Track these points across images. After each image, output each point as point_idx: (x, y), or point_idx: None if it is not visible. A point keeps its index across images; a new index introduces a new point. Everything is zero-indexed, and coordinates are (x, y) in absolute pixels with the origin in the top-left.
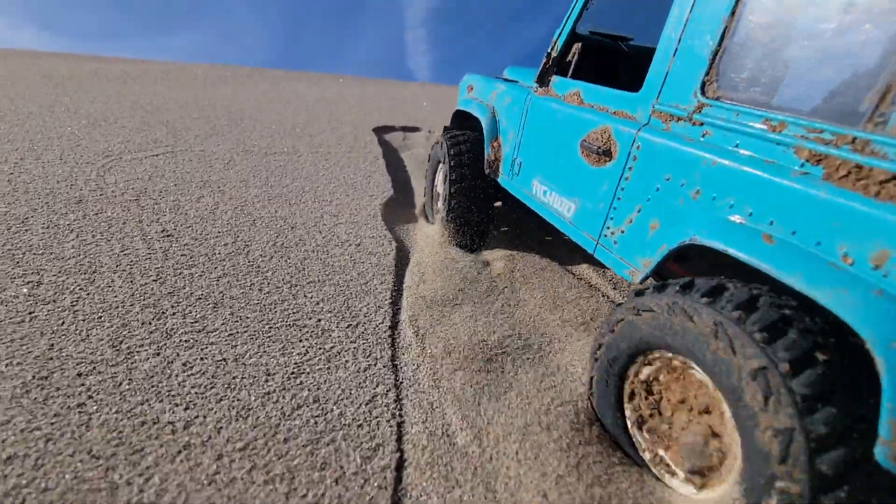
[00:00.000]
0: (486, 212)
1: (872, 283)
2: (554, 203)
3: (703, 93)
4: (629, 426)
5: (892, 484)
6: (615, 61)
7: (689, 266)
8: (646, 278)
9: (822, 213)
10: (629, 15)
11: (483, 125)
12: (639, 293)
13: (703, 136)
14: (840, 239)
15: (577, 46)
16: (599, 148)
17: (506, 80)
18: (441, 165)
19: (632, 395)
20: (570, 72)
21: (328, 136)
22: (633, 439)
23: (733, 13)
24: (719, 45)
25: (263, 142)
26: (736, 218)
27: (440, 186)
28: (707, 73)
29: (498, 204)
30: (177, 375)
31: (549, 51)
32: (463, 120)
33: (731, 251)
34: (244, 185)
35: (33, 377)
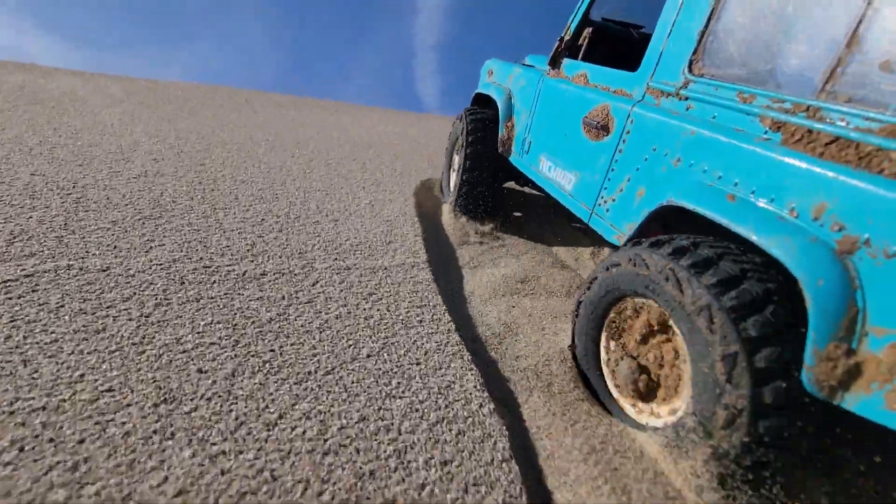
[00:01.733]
0: (495, 185)
1: (810, 232)
2: (557, 177)
3: (690, 70)
4: (602, 364)
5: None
6: (628, 48)
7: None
8: (628, 241)
9: (775, 172)
10: (642, 3)
11: (499, 105)
12: (636, 242)
13: (688, 109)
14: (789, 195)
15: (587, 31)
16: (598, 123)
17: (525, 65)
18: (459, 139)
19: (606, 342)
20: (581, 55)
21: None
22: (606, 381)
23: None
24: (706, 25)
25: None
26: (708, 181)
27: (457, 162)
28: (694, 52)
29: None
30: None
31: (562, 35)
32: (482, 105)
33: (699, 209)
34: None
35: None
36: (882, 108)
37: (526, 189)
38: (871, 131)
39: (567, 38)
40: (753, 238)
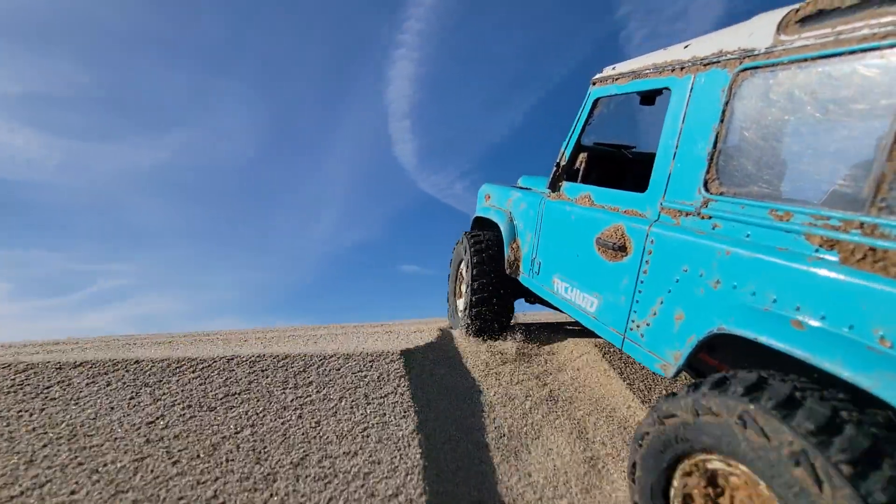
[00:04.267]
0: (507, 301)
1: None
2: (576, 299)
3: (706, 189)
4: None
5: None
6: (620, 167)
7: (720, 357)
8: (678, 372)
9: (849, 296)
10: (629, 126)
11: (502, 229)
12: (694, 387)
13: (714, 228)
14: (873, 322)
15: (583, 156)
16: (615, 244)
17: (520, 187)
18: (462, 263)
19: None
20: (580, 178)
21: None
22: None
23: (722, 120)
24: (714, 147)
25: None
26: (760, 305)
27: (463, 285)
28: (707, 172)
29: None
30: None
31: (557, 160)
32: (481, 228)
33: (763, 339)
34: None
35: None
36: None
37: (537, 306)
38: None
39: (563, 163)
40: (844, 374)
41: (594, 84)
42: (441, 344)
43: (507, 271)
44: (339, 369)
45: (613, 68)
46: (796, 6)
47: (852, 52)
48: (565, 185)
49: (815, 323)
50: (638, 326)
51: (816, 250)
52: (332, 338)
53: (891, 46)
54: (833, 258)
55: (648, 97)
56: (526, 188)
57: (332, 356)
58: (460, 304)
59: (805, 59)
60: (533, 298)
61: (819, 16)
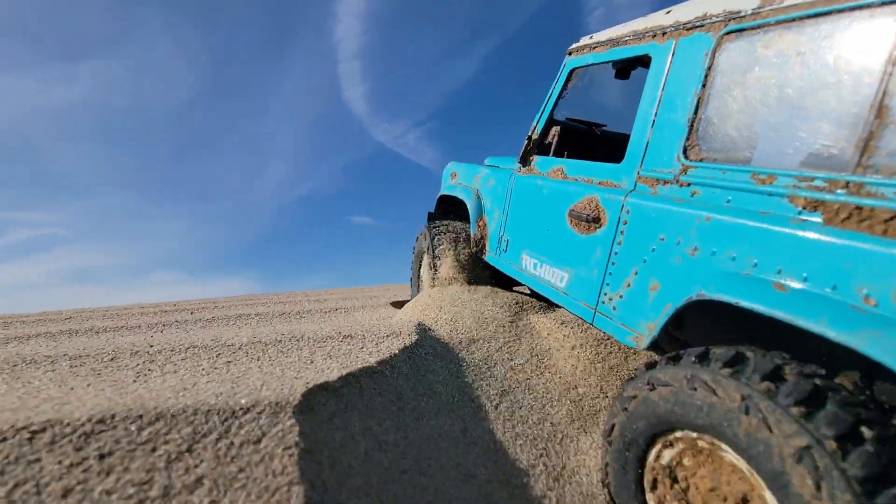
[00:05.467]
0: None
1: None
2: (545, 275)
3: (686, 156)
4: None
5: None
6: (592, 143)
7: (686, 333)
8: (651, 342)
9: (832, 256)
10: (600, 106)
11: (469, 206)
12: (650, 365)
13: (693, 195)
14: (857, 281)
15: (555, 129)
16: (588, 215)
17: (488, 165)
18: (425, 256)
19: (654, 484)
20: (552, 152)
21: None
22: None
23: (704, 85)
24: (695, 113)
25: None
26: (741, 270)
27: (425, 277)
28: (687, 139)
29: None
30: None
31: (529, 134)
32: (447, 206)
33: (743, 303)
34: None
35: None
36: None
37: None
38: None
39: (535, 137)
40: (829, 334)
41: (570, 54)
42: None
43: (473, 250)
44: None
45: (591, 37)
46: None
47: (842, 11)
48: (536, 159)
49: (797, 285)
50: (610, 299)
51: (800, 212)
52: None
53: (882, 4)
54: (817, 219)
55: (623, 70)
56: (494, 166)
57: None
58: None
59: (794, 19)
60: (497, 283)
61: None
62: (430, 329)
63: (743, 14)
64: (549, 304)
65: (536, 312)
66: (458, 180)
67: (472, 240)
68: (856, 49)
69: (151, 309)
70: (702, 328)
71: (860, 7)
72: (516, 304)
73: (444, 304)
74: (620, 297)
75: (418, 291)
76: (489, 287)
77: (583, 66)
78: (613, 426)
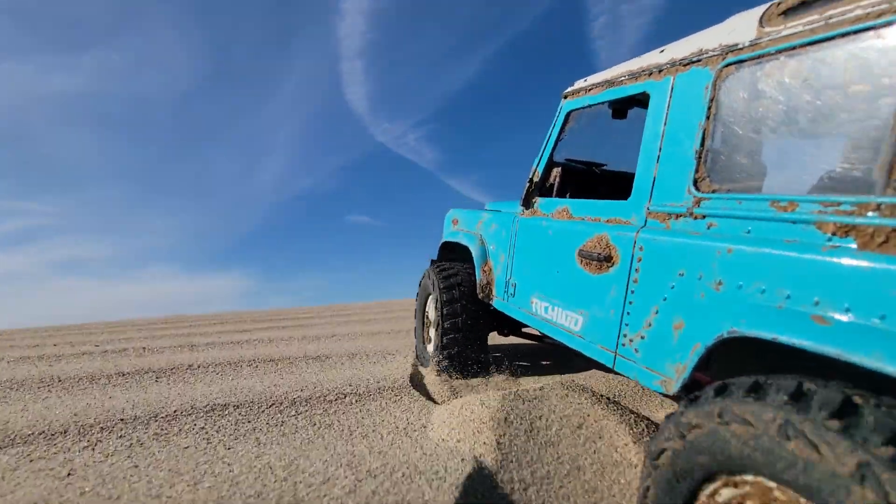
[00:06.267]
0: (481, 338)
1: None
2: (558, 318)
3: (697, 188)
4: None
5: None
6: (594, 183)
7: (712, 373)
8: (681, 387)
9: (875, 283)
10: (598, 147)
11: (473, 252)
12: (720, 391)
13: (709, 227)
14: None
15: (556, 171)
16: (599, 255)
17: (487, 210)
18: (430, 297)
19: None
20: (554, 193)
21: None
22: None
23: (708, 117)
24: (702, 145)
25: None
26: (774, 303)
27: (433, 319)
28: (697, 171)
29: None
30: None
31: (530, 177)
32: (449, 253)
33: (783, 339)
34: None
35: None
36: None
37: (512, 339)
38: None
39: (536, 179)
40: (888, 369)
41: (566, 97)
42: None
43: (480, 296)
44: None
45: (585, 80)
46: (777, 0)
47: (846, 34)
48: (539, 200)
49: (840, 316)
50: (631, 341)
51: (830, 238)
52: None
53: (887, 24)
54: (850, 245)
55: (620, 110)
56: (496, 210)
57: None
58: (430, 345)
59: (795, 47)
60: (507, 331)
61: (803, 5)
62: None
63: (741, 46)
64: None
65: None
66: (460, 226)
67: (478, 286)
68: (867, 72)
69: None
70: (728, 367)
71: (864, 29)
72: None
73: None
74: (642, 338)
75: (423, 330)
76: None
77: (579, 109)
78: (663, 451)
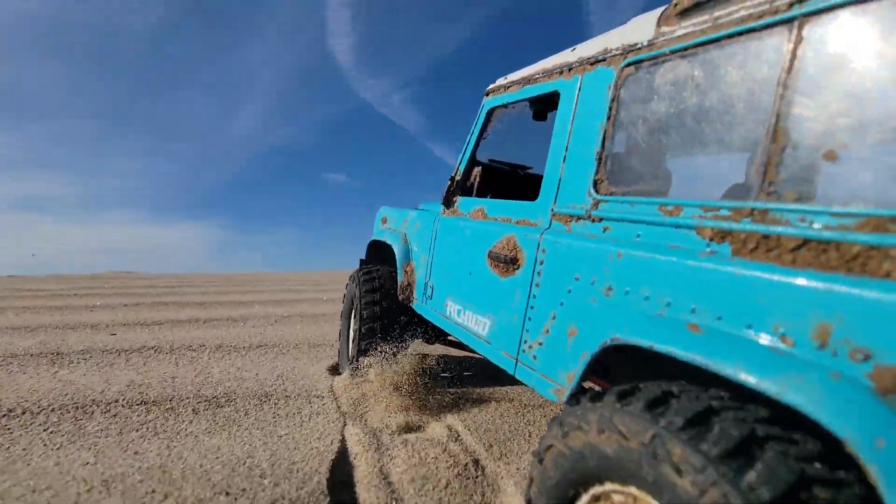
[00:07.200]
0: (399, 342)
1: (826, 366)
2: (468, 322)
3: (596, 191)
4: None
5: None
6: (516, 183)
7: (613, 381)
8: (572, 395)
9: (743, 291)
10: (528, 149)
11: (395, 251)
12: (563, 412)
13: (605, 230)
14: (771, 318)
15: (477, 170)
16: (506, 256)
17: (419, 209)
18: (355, 300)
19: None
20: (475, 193)
21: None
22: None
23: (609, 118)
24: (602, 146)
25: None
26: (655, 310)
27: (354, 325)
28: (597, 173)
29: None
30: None
31: (452, 175)
32: (379, 253)
33: (658, 347)
34: None
35: None
36: (851, 202)
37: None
38: (848, 228)
39: (457, 178)
40: (750, 381)
41: (487, 94)
42: None
43: (400, 297)
44: None
45: (505, 78)
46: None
47: (730, 36)
48: (459, 200)
49: (712, 325)
50: (530, 347)
51: (708, 244)
52: None
53: (767, 26)
54: (726, 251)
55: (540, 112)
56: (424, 209)
57: None
58: (351, 345)
59: (686, 48)
60: (432, 338)
61: (697, 6)
62: None
63: (639, 46)
64: None
65: None
66: (388, 225)
67: (399, 287)
68: (747, 74)
69: None
70: (629, 375)
71: (746, 31)
72: None
73: None
74: (540, 344)
75: (348, 341)
76: None
77: (500, 106)
78: (531, 480)
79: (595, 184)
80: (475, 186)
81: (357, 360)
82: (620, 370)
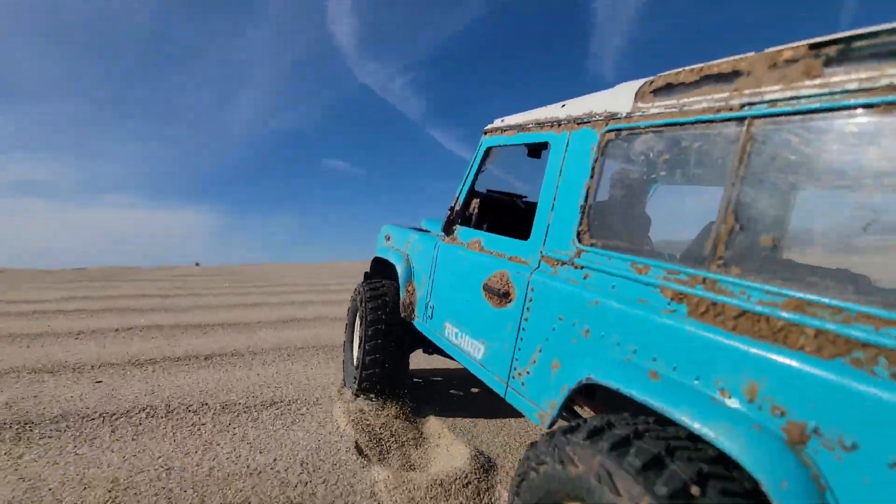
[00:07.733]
0: (401, 357)
1: (752, 418)
2: (465, 345)
3: (579, 240)
4: None
5: None
6: (513, 214)
7: (599, 404)
8: (553, 422)
9: (693, 348)
10: (522, 177)
11: (398, 271)
12: (533, 444)
13: (585, 278)
14: (714, 373)
15: (475, 202)
16: (500, 290)
17: (420, 229)
18: (359, 312)
19: None
20: (473, 223)
21: None
22: None
23: (592, 176)
24: (585, 200)
25: None
26: (624, 356)
27: (358, 337)
28: (580, 224)
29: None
30: None
31: (452, 205)
32: (381, 267)
33: (623, 389)
34: None
35: None
36: (779, 282)
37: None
38: (776, 305)
39: (457, 207)
40: (693, 426)
41: (486, 133)
42: None
43: (402, 314)
44: None
45: (503, 121)
46: (651, 78)
47: (693, 123)
48: (459, 229)
49: (668, 374)
50: (519, 374)
51: (669, 303)
52: None
53: (723, 120)
54: (683, 311)
55: (535, 150)
56: (426, 230)
57: None
58: (356, 355)
59: (658, 126)
60: (431, 349)
61: (667, 88)
62: None
63: (619, 116)
64: None
65: None
66: (391, 243)
67: (401, 305)
68: (708, 158)
69: None
70: (612, 401)
71: (706, 122)
72: None
73: None
74: (528, 372)
75: (352, 350)
76: None
77: (497, 146)
78: (526, 472)
79: (578, 234)
80: (474, 217)
81: (363, 373)
82: (603, 392)
